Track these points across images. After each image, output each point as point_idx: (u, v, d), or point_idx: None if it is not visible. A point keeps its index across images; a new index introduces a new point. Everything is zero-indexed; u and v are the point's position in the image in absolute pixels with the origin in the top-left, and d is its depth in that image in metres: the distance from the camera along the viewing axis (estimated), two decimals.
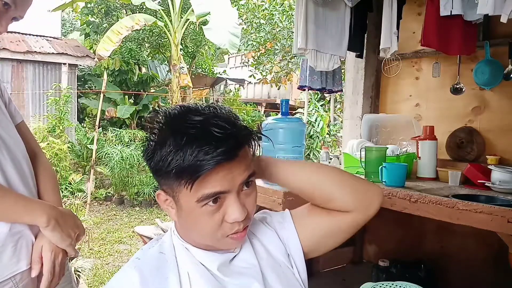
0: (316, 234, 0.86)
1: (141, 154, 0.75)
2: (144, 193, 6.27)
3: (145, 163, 0.75)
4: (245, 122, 0.76)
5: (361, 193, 0.83)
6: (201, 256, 0.76)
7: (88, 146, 7.00)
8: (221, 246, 0.76)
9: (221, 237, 0.73)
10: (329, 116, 7.70)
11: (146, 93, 9.09)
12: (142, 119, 9.43)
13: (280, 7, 8.50)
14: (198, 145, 0.66)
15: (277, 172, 0.84)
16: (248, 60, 9.67)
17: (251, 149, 0.75)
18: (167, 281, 0.73)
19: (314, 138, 7.42)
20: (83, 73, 9.52)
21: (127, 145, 6.77)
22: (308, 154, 7.26)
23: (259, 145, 0.78)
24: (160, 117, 0.72)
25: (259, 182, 1.88)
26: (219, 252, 0.77)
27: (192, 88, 9.19)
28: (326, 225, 0.85)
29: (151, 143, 0.71)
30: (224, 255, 0.77)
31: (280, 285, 0.78)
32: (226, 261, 0.77)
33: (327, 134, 7.58)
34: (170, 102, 8.05)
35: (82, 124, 8.48)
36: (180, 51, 8.31)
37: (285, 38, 8.35)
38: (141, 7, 8.35)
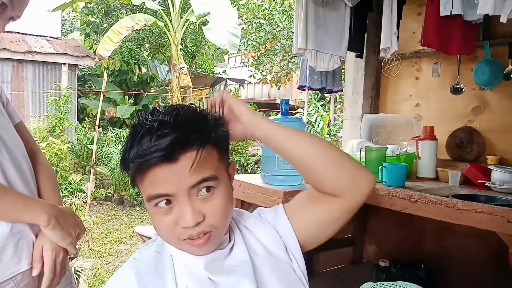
0: (310, 226, 0.84)
1: None
2: None
3: None
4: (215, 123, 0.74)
5: (355, 176, 0.80)
6: (187, 257, 0.75)
7: (88, 146, 7.00)
8: (184, 249, 0.74)
9: (178, 240, 0.72)
10: (329, 116, 7.70)
11: (146, 93, 9.09)
12: None
13: (280, 7, 8.50)
14: (143, 143, 0.67)
15: (270, 132, 0.80)
16: (248, 60, 9.67)
17: (205, 149, 0.70)
18: (164, 280, 0.73)
19: None
20: (83, 73, 9.53)
21: None
22: None
23: (222, 150, 0.75)
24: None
25: (258, 182, 1.89)
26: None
27: (192, 88, 9.19)
28: (318, 215, 0.83)
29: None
30: (212, 254, 0.75)
31: (277, 281, 0.76)
32: (215, 260, 0.75)
33: (327, 134, 7.58)
34: (170, 102, 8.05)
35: (82, 124, 8.48)
36: (180, 51, 8.31)
37: (285, 38, 8.36)
38: (141, 7, 8.35)
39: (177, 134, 0.67)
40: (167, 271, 0.74)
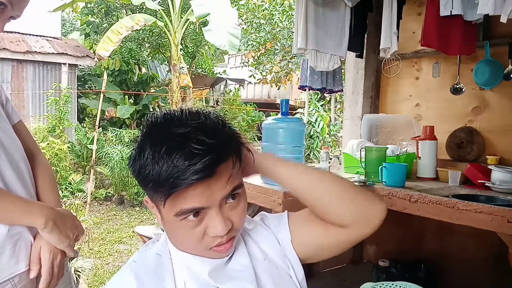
0: (311, 245, 0.83)
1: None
2: (144, 193, 6.25)
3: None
4: (238, 127, 0.73)
5: (362, 210, 0.79)
6: (191, 261, 0.75)
7: (88, 146, 6.99)
8: (207, 256, 0.74)
9: (205, 249, 0.72)
10: (329, 116, 7.70)
11: (146, 93, 9.08)
12: (142, 119, 9.45)
13: (280, 7, 8.50)
14: (174, 160, 0.63)
15: (277, 170, 0.81)
16: (248, 60, 9.67)
17: (237, 160, 0.71)
18: (164, 283, 0.73)
19: (314, 138, 7.42)
20: (83, 73, 9.52)
21: (127, 145, 6.77)
22: (308, 154, 7.26)
23: (250, 151, 0.76)
24: (145, 123, 0.70)
25: (258, 182, 1.88)
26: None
27: (192, 88, 9.19)
28: (320, 238, 0.82)
29: (134, 150, 0.70)
30: (216, 260, 0.75)
31: (275, 287, 0.77)
32: (219, 265, 0.75)
33: (327, 134, 7.58)
34: (170, 102, 8.05)
35: (82, 124, 8.47)
36: (180, 51, 8.31)
37: (285, 38, 8.36)
38: (141, 7, 8.35)
39: (215, 153, 0.64)
40: (167, 274, 0.74)
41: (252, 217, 0.89)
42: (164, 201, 0.67)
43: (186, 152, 0.63)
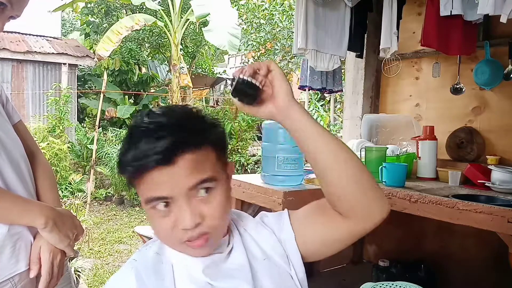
0: (314, 242, 0.82)
1: None
2: None
3: None
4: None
5: (370, 200, 0.75)
6: (184, 259, 0.75)
7: (88, 146, 6.99)
8: (183, 251, 0.74)
9: (178, 242, 0.71)
10: (329, 116, 7.70)
11: (146, 93, 9.09)
12: None
13: (280, 7, 8.51)
14: (139, 146, 0.66)
15: (300, 126, 0.74)
16: (248, 60, 9.68)
17: (217, 154, 0.71)
18: (163, 281, 0.73)
19: None
20: (83, 73, 9.52)
21: None
22: None
23: (220, 151, 0.73)
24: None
25: (258, 182, 1.89)
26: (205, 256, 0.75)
27: (192, 88, 9.19)
28: (324, 233, 0.80)
29: None
30: (210, 258, 0.75)
31: (273, 287, 0.75)
32: (214, 263, 0.75)
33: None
34: (170, 102, 8.05)
35: (82, 124, 8.47)
36: (180, 51, 8.31)
37: (285, 38, 8.36)
38: (141, 7, 8.35)
39: (175, 136, 0.66)
40: (166, 273, 0.74)
41: (253, 217, 0.88)
42: (129, 186, 0.71)
43: (149, 139, 0.66)
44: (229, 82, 0.68)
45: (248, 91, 0.71)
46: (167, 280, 0.73)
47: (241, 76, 0.70)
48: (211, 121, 0.74)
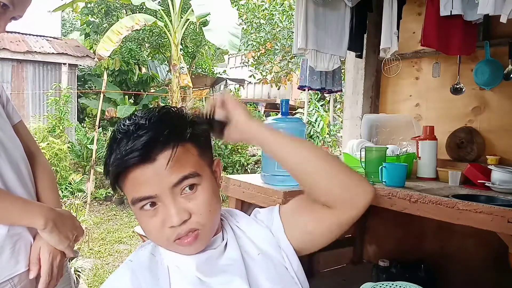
0: (302, 234, 0.82)
1: None
2: None
3: None
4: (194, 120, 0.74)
5: (349, 187, 0.77)
6: (178, 258, 0.75)
7: (88, 146, 6.99)
8: (174, 250, 0.74)
9: (168, 242, 0.72)
10: (329, 116, 7.70)
11: (146, 93, 9.09)
12: None
13: (280, 7, 8.50)
14: (121, 147, 0.68)
15: (264, 134, 0.78)
16: (248, 60, 9.67)
17: (198, 150, 0.72)
18: (159, 281, 0.73)
19: (314, 138, 7.42)
20: (83, 73, 9.52)
21: None
22: None
23: (202, 146, 0.75)
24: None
25: (258, 182, 1.88)
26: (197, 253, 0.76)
27: (192, 88, 9.19)
28: (310, 225, 0.81)
29: None
30: (203, 255, 0.75)
31: (268, 281, 0.76)
32: (207, 260, 0.75)
33: (327, 134, 7.58)
34: (170, 102, 8.04)
35: (82, 124, 8.47)
36: (180, 51, 8.31)
37: (285, 38, 8.36)
38: (141, 7, 8.35)
39: (152, 133, 0.67)
40: (161, 273, 0.74)
41: (249, 215, 0.89)
42: (116, 186, 0.71)
43: (129, 139, 0.68)
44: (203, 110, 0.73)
45: (214, 125, 0.77)
46: (162, 280, 0.73)
47: (203, 116, 0.77)
48: (191, 118, 0.75)
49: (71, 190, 6.10)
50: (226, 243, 0.79)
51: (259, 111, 9.98)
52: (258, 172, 3.10)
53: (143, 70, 9.88)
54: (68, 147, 6.51)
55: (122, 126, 0.70)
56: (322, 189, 0.78)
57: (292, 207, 0.86)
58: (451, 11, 1.96)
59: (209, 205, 0.73)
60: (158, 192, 0.69)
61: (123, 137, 0.68)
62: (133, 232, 4.74)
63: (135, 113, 0.73)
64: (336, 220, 0.80)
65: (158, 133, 0.68)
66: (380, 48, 2.29)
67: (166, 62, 10.33)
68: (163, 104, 0.77)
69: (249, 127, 0.78)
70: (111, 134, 0.73)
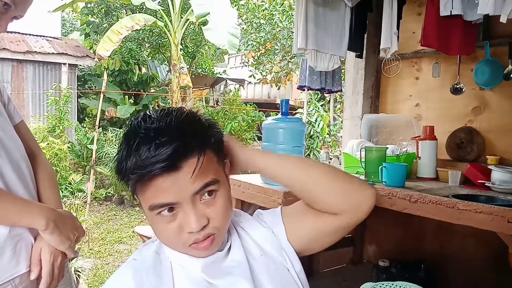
0: (305, 235, 0.83)
1: None
2: None
3: None
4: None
5: (351, 196, 0.80)
6: (184, 258, 0.75)
7: (88, 146, 7.00)
8: (188, 253, 0.74)
9: (184, 246, 0.72)
10: (329, 116, 7.70)
11: (146, 93, 9.09)
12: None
13: (280, 7, 8.50)
14: (141, 153, 0.65)
15: (261, 166, 0.82)
16: (248, 60, 9.67)
17: (209, 155, 0.71)
18: (162, 280, 0.73)
19: (314, 138, 7.42)
20: (83, 73, 9.52)
21: None
22: (308, 154, 7.26)
23: (219, 152, 0.75)
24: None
25: (258, 182, 1.88)
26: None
27: (192, 88, 9.19)
28: (314, 227, 0.83)
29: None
30: (210, 257, 0.76)
31: (271, 283, 0.76)
32: (213, 262, 0.75)
33: (327, 134, 7.58)
34: (170, 102, 8.05)
35: (82, 124, 8.47)
36: (180, 51, 8.31)
37: (285, 38, 8.35)
38: (141, 7, 8.35)
39: (178, 142, 0.66)
40: (165, 272, 0.74)
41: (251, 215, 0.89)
42: (133, 193, 0.71)
43: (152, 145, 0.65)
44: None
45: None
46: (166, 280, 0.73)
47: None
48: (209, 122, 0.74)
49: (71, 190, 6.10)
50: (230, 245, 0.79)
51: (259, 111, 9.98)
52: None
53: (143, 70, 9.88)
54: (68, 147, 6.51)
55: (139, 129, 0.68)
56: (325, 202, 0.80)
57: (296, 210, 0.87)
58: (451, 11, 1.96)
59: (226, 210, 0.74)
60: (179, 199, 0.68)
61: (143, 142, 0.66)
62: (133, 232, 4.74)
63: (149, 113, 0.71)
64: (342, 223, 0.82)
65: (183, 142, 0.66)
66: (380, 48, 2.29)
67: (166, 62, 10.33)
68: (177, 106, 0.78)
69: (252, 161, 0.82)
70: (124, 132, 0.71)
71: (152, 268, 0.75)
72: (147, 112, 0.72)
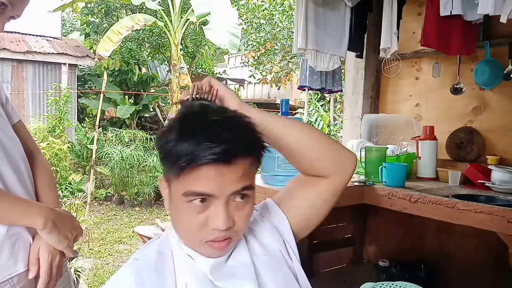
0: (302, 212, 0.86)
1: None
2: (144, 193, 6.27)
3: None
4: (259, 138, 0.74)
5: (338, 155, 0.85)
6: (195, 255, 0.75)
7: (88, 146, 6.99)
8: (201, 251, 0.74)
9: (201, 241, 0.72)
10: (329, 116, 7.70)
11: (146, 93, 9.08)
12: (142, 119, 9.43)
13: (280, 7, 8.50)
14: (198, 139, 0.66)
15: (259, 120, 0.79)
16: (248, 60, 9.66)
17: (256, 161, 0.73)
18: (165, 281, 0.73)
19: None
20: (83, 73, 9.52)
21: (127, 145, 6.77)
22: None
23: (259, 162, 0.76)
24: (182, 109, 0.75)
25: (258, 182, 1.88)
26: None
27: None
28: (308, 198, 0.86)
29: (164, 127, 0.73)
30: (218, 258, 0.75)
31: (275, 283, 0.77)
32: (219, 264, 0.75)
33: (327, 134, 7.58)
34: (170, 102, 8.04)
35: (82, 124, 8.47)
36: (180, 51, 8.30)
37: (285, 38, 8.35)
38: (141, 7, 8.34)
39: (236, 140, 0.67)
40: (168, 272, 0.74)
41: None
42: (179, 174, 0.68)
43: (211, 135, 0.66)
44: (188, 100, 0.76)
45: None
46: (169, 280, 0.73)
47: (191, 97, 0.78)
48: (258, 129, 0.75)
49: (71, 190, 6.10)
50: (236, 245, 0.79)
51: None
52: (258, 172, 3.09)
53: (143, 70, 9.88)
54: (68, 147, 6.51)
55: (197, 117, 0.70)
56: (319, 158, 0.84)
57: (286, 191, 0.90)
58: (451, 11, 1.96)
59: (249, 217, 0.75)
60: (218, 194, 0.68)
61: (201, 129, 0.67)
62: (133, 232, 4.74)
63: (204, 106, 0.74)
64: (331, 187, 0.86)
65: (241, 140, 0.69)
66: (380, 48, 2.29)
67: (166, 62, 10.32)
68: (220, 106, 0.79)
69: (242, 106, 0.80)
70: (178, 117, 0.72)
71: (154, 268, 0.74)
72: (202, 102, 0.75)
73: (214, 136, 0.66)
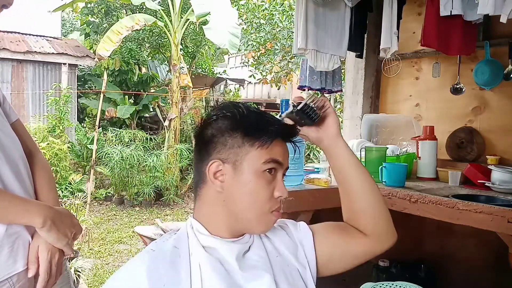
0: (329, 253, 0.89)
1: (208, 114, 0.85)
2: (144, 193, 6.27)
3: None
4: None
5: (386, 220, 0.91)
6: (219, 245, 0.79)
7: (88, 146, 6.99)
8: (260, 222, 0.80)
9: (267, 210, 0.80)
10: None
11: (146, 93, 9.08)
12: (142, 119, 9.43)
13: (280, 7, 8.49)
14: (276, 120, 0.83)
15: (341, 152, 0.91)
16: (248, 60, 9.66)
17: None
18: (179, 275, 0.74)
19: None
20: (83, 73, 9.51)
21: (127, 145, 6.77)
22: (308, 154, 7.26)
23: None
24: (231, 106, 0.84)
25: None
26: (236, 242, 0.81)
27: (192, 88, 9.17)
28: (342, 245, 0.90)
29: (230, 117, 0.81)
30: (241, 245, 0.81)
31: (286, 283, 0.81)
32: (244, 253, 0.81)
33: None
34: (170, 102, 8.04)
35: (82, 124, 8.47)
36: (180, 51, 8.30)
37: (285, 38, 8.34)
38: (141, 7, 8.34)
39: (292, 130, 0.84)
40: (182, 268, 0.76)
41: None
42: (263, 145, 0.79)
43: (276, 120, 0.83)
44: (290, 105, 0.84)
45: (308, 115, 0.87)
46: (183, 275, 0.74)
47: (308, 103, 0.86)
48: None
49: (71, 190, 6.10)
50: (253, 241, 0.85)
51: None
52: None
53: (143, 70, 9.87)
54: (68, 147, 6.51)
55: (258, 110, 0.85)
56: (371, 213, 0.89)
57: (325, 228, 0.94)
58: (451, 11, 1.96)
59: None
60: (284, 164, 0.82)
61: (266, 118, 0.81)
62: (133, 232, 4.73)
63: (253, 105, 0.87)
64: (366, 248, 0.90)
65: (292, 131, 0.85)
66: (380, 48, 2.29)
67: (166, 62, 10.32)
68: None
69: (338, 138, 0.90)
70: (252, 111, 0.83)
71: (169, 262, 0.76)
72: (249, 105, 0.85)
73: (276, 121, 0.83)
